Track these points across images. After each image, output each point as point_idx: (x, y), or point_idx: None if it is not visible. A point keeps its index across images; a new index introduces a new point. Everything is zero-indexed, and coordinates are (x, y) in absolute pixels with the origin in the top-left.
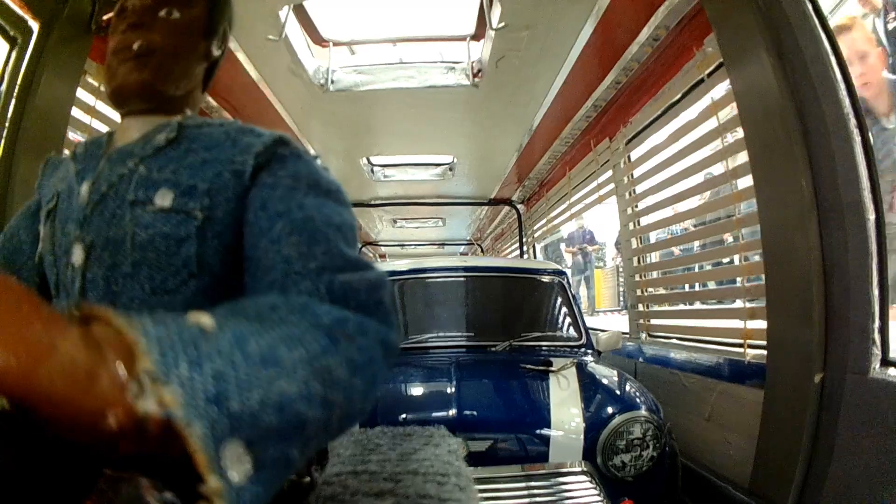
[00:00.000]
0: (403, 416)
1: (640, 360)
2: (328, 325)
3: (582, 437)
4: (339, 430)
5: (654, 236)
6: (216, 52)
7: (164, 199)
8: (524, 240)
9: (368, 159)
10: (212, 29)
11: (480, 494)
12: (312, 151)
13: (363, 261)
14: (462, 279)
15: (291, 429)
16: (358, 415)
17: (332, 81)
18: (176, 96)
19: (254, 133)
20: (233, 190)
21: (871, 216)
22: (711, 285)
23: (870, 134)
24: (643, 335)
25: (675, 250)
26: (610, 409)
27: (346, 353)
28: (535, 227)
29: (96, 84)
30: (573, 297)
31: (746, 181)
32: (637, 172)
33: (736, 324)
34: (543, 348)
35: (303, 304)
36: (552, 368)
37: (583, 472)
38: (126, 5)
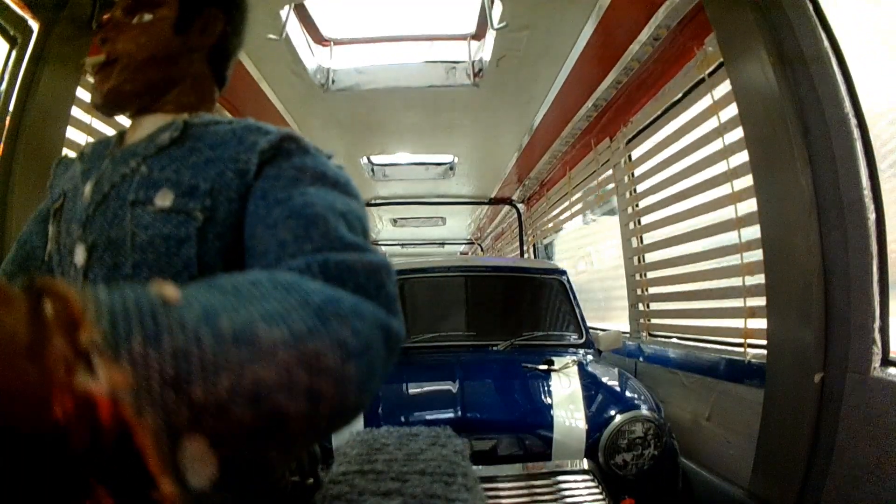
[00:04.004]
0: (408, 415)
1: (641, 359)
2: (318, 303)
3: (584, 435)
4: (329, 428)
5: (654, 235)
6: (202, 42)
7: (164, 199)
8: (524, 239)
9: (369, 159)
10: (185, 21)
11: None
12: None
13: (366, 245)
14: (463, 279)
15: (269, 424)
16: (353, 410)
17: (333, 81)
18: (166, 93)
19: (261, 131)
20: (236, 189)
21: (872, 216)
22: (710, 285)
23: (870, 134)
24: (643, 334)
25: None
26: (612, 409)
27: (339, 337)
28: (536, 227)
29: None
30: (574, 296)
31: (746, 181)
32: (637, 172)
33: (736, 323)
34: (545, 347)
35: (290, 280)
36: (554, 368)
37: (585, 471)
38: (103, 20)
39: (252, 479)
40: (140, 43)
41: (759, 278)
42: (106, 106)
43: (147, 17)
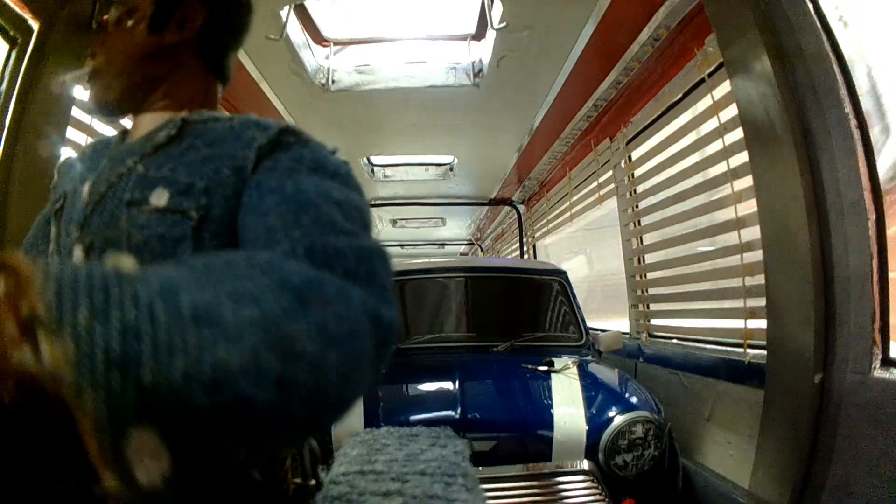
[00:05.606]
0: (408, 416)
1: (641, 360)
2: (297, 284)
3: (584, 436)
4: (308, 423)
5: (654, 236)
6: (182, 36)
7: (159, 198)
8: (524, 240)
9: (369, 159)
10: (160, 19)
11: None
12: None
13: (360, 231)
14: (463, 279)
15: (232, 415)
16: (335, 403)
17: (333, 81)
18: (152, 93)
19: (259, 126)
20: (233, 187)
21: (871, 216)
22: (710, 285)
23: (870, 134)
24: (643, 335)
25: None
26: (612, 409)
27: (318, 321)
28: (536, 227)
29: None
30: (573, 296)
31: (746, 181)
32: (637, 172)
33: (736, 324)
34: (545, 348)
35: (268, 260)
36: (554, 368)
37: (585, 472)
38: (102, 21)
39: (214, 478)
40: (116, 49)
41: (759, 279)
42: (98, 112)
43: (129, 23)
